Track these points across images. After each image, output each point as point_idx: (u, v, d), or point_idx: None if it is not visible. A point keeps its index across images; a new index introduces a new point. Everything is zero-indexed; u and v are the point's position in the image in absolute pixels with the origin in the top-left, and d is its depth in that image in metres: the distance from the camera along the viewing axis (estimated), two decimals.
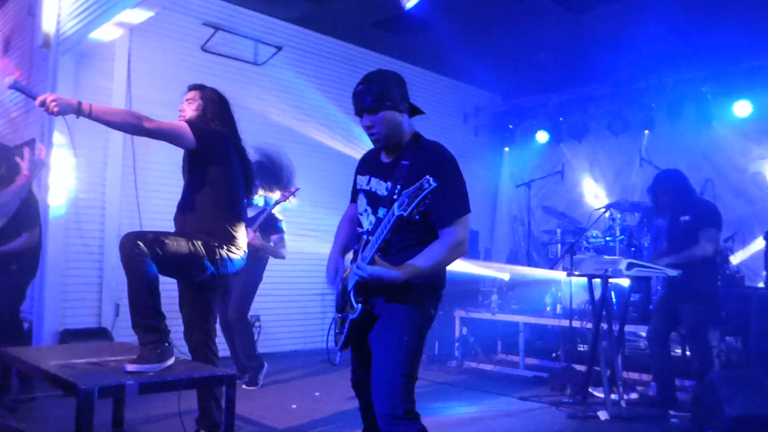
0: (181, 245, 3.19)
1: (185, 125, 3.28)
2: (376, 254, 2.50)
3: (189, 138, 3.26)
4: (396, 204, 2.38)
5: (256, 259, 5.40)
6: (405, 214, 2.33)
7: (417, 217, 2.34)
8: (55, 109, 2.90)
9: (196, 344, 3.41)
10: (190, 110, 3.50)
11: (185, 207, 3.42)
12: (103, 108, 3.05)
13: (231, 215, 3.44)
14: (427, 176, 2.30)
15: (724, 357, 5.77)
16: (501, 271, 7.79)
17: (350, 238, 2.92)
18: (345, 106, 7.80)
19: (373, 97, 2.57)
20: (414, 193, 2.30)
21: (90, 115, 2.96)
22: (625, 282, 5.59)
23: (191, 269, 3.31)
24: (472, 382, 6.31)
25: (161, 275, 3.16)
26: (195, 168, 3.40)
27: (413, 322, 2.57)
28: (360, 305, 2.56)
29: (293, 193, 5.38)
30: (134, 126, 3.09)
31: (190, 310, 3.45)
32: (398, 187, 2.50)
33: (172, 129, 3.23)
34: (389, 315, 2.58)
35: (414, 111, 2.74)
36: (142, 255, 3.01)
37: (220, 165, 3.40)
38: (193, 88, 3.61)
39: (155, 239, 3.14)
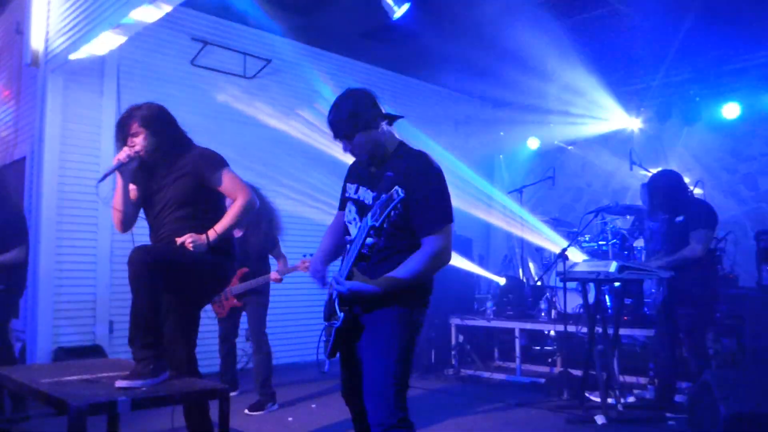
0: (190, 261, 3.18)
1: (232, 171, 3.39)
2: (354, 267, 2.56)
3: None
4: (369, 214, 2.46)
5: (263, 285, 5.40)
6: (377, 224, 2.41)
7: (386, 225, 2.43)
8: (191, 247, 3.13)
9: (179, 360, 3.33)
10: (142, 142, 3.31)
11: (184, 226, 3.31)
12: (224, 223, 3.26)
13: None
14: (397, 187, 2.39)
15: (719, 358, 5.77)
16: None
17: (334, 245, 2.95)
18: None
19: (344, 125, 2.64)
20: (385, 204, 2.38)
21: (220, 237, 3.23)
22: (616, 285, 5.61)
23: (197, 285, 3.33)
24: (470, 390, 6.31)
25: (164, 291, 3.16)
26: (203, 193, 3.35)
27: (402, 329, 2.58)
28: (342, 313, 2.58)
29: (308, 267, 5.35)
30: (247, 211, 3.31)
31: (173, 325, 3.38)
32: (383, 196, 2.51)
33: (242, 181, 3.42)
34: (377, 324, 2.59)
35: (394, 118, 2.75)
36: (152, 271, 3.00)
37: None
38: (130, 119, 3.32)
39: (165, 254, 3.14)
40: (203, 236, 3.18)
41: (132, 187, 3.43)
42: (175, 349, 3.32)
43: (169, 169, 3.34)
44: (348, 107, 2.64)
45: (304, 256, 5.28)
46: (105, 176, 3.34)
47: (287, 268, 5.39)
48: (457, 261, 7.25)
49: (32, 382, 2.92)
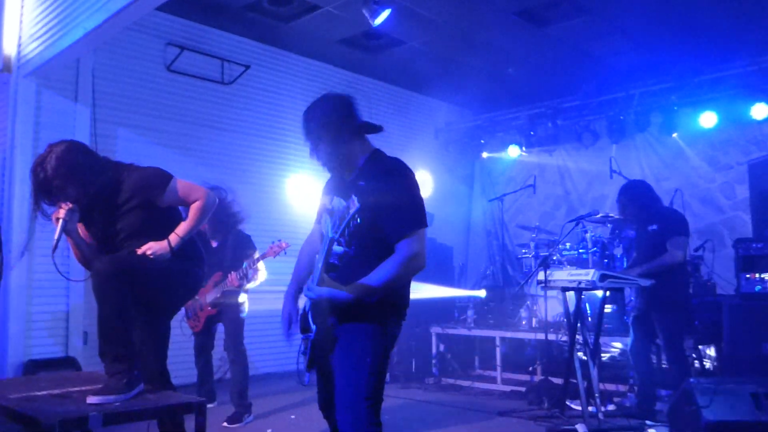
0: (156, 269, 3.10)
1: (177, 179, 3.24)
2: (325, 273, 2.52)
3: None
4: (330, 226, 2.46)
5: (238, 292, 5.30)
6: (335, 236, 2.44)
7: (347, 236, 2.46)
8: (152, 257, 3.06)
9: (151, 373, 3.24)
10: (72, 194, 3.10)
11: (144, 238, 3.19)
12: (186, 226, 3.18)
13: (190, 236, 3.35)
14: (353, 197, 2.43)
15: (698, 365, 5.79)
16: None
17: (309, 267, 2.87)
18: None
19: (309, 135, 2.65)
20: (343, 214, 2.40)
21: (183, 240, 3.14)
22: (598, 294, 5.60)
23: (166, 294, 3.24)
24: (451, 399, 6.27)
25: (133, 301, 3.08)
26: (156, 213, 3.23)
27: (375, 343, 2.53)
28: (315, 326, 2.54)
29: (284, 250, 5.19)
30: (207, 210, 3.23)
31: (144, 336, 3.28)
32: (341, 207, 2.52)
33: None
34: (351, 337, 2.54)
35: (371, 129, 2.71)
36: (117, 281, 2.91)
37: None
38: (46, 173, 3.06)
39: (130, 263, 3.05)
40: (164, 243, 3.08)
41: (84, 232, 3.30)
42: (147, 361, 3.23)
43: (108, 203, 3.17)
44: (319, 114, 2.63)
45: (273, 242, 5.21)
46: (57, 243, 3.13)
47: (252, 270, 5.21)
48: (435, 289, 7.22)
49: (1, 398, 2.82)
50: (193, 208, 3.21)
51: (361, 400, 2.45)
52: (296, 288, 2.84)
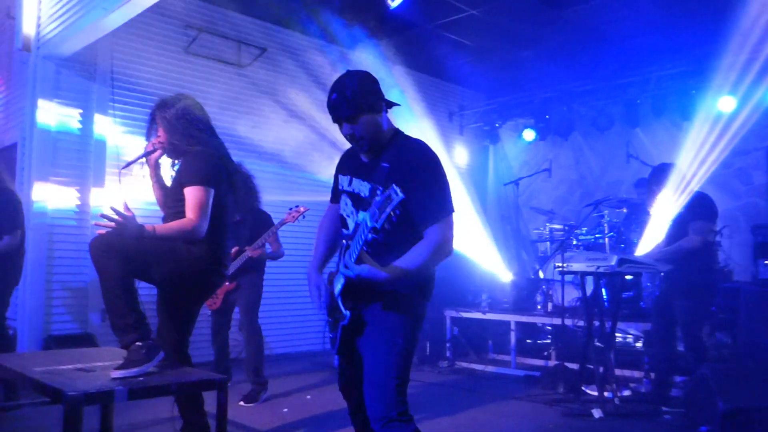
0: (153, 247, 3.08)
1: (202, 190, 3.16)
2: (364, 252, 2.43)
3: (212, 195, 3.23)
4: (368, 214, 2.34)
5: (256, 269, 5.36)
6: (377, 225, 2.31)
7: (387, 227, 2.32)
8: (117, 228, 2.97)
9: (170, 351, 3.25)
10: (162, 135, 3.35)
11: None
12: (164, 231, 3.11)
13: (216, 232, 3.32)
14: (395, 187, 2.27)
15: (714, 352, 5.78)
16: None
17: (330, 244, 2.88)
18: None
19: (349, 105, 2.50)
20: (383, 204, 2.28)
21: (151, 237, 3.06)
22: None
23: (162, 271, 3.14)
24: (465, 383, 6.28)
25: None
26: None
27: (404, 324, 2.53)
28: (349, 312, 2.52)
29: (302, 214, 5.30)
30: (185, 235, 3.13)
31: (165, 317, 3.34)
32: (379, 189, 2.44)
33: (206, 204, 3.17)
34: (379, 318, 2.54)
35: (391, 103, 2.68)
36: (112, 254, 2.93)
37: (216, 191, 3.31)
38: (156, 110, 3.36)
39: (126, 240, 3.05)
40: (138, 223, 2.99)
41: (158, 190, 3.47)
42: (165, 340, 3.28)
43: (175, 167, 3.38)
44: (353, 87, 2.52)
45: (291, 208, 5.35)
46: (129, 164, 3.41)
47: (276, 244, 5.43)
48: (471, 254, 7.22)
49: (27, 371, 2.86)
50: (179, 222, 3.17)
51: (390, 379, 2.46)
52: (319, 263, 2.83)
